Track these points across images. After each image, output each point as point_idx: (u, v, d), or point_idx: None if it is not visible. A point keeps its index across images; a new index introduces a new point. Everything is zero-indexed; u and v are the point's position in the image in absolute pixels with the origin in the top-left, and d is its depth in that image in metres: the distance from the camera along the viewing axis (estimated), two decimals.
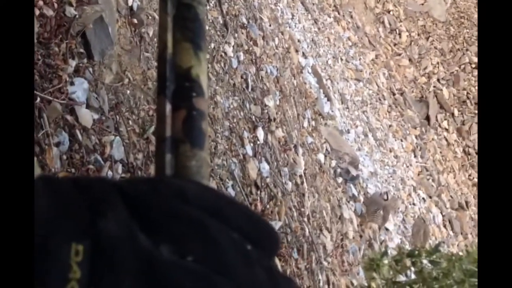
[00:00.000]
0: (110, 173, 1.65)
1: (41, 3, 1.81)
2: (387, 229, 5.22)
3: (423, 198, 6.73)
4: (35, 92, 1.44)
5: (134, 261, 0.31)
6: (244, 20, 4.10)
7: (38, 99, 1.45)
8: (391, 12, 9.77)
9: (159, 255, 0.32)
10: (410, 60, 9.36)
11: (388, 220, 5.12)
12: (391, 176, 6.34)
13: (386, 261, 1.75)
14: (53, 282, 0.30)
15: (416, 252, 1.76)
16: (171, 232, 0.33)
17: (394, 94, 8.27)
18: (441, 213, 6.84)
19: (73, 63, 1.81)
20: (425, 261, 1.76)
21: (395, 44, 9.42)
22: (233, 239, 0.35)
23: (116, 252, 0.31)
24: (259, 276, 0.35)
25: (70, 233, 0.30)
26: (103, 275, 0.30)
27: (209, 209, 0.36)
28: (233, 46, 3.59)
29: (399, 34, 9.59)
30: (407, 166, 7.05)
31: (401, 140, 7.44)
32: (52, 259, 0.30)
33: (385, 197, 4.94)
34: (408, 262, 1.76)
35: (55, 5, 1.88)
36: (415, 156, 7.48)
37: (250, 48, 3.91)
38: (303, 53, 5.76)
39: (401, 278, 1.94)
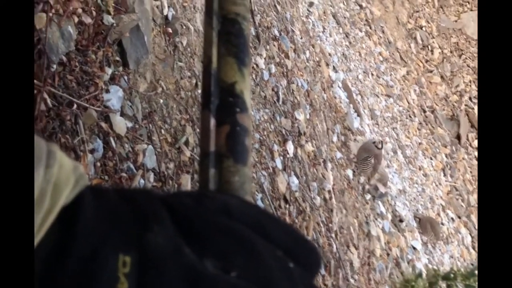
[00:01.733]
0: (142, 181, 1.65)
1: (80, 10, 1.84)
2: (414, 248, 5.13)
3: (452, 218, 6.58)
4: (72, 98, 1.45)
5: (180, 274, 0.31)
6: (276, 32, 4.10)
7: (75, 105, 1.46)
8: (423, 28, 9.67)
9: (204, 269, 0.32)
10: (442, 77, 9.23)
11: (377, 172, 4.73)
12: (419, 195, 6.23)
13: (421, 283, 1.70)
14: None
15: (452, 275, 1.70)
16: (216, 247, 0.33)
17: (424, 112, 8.16)
18: (470, 234, 6.68)
19: (109, 70, 1.83)
20: (460, 286, 1.70)
21: (427, 61, 9.30)
22: (276, 256, 0.35)
23: (163, 265, 0.31)
24: None
25: (117, 245, 0.31)
26: (150, 287, 0.31)
27: (253, 226, 0.36)
28: (264, 58, 3.58)
29: (432, 50, 9.47)
30: (436, 185, 6.92)
31: (431, 159, 7.32)
32: (100, 270, 0.30)
33: (380, 145, 4.53)
34: (443, 285, 1.71)
35: (94, 13, 1.90)
36: (444, 175, 7.34)
37: (282, 61, 3.90)
38: (333, 67, 5.73)
39: None
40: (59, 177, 0.33)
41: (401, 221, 5.19)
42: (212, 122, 0.51)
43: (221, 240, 0.33)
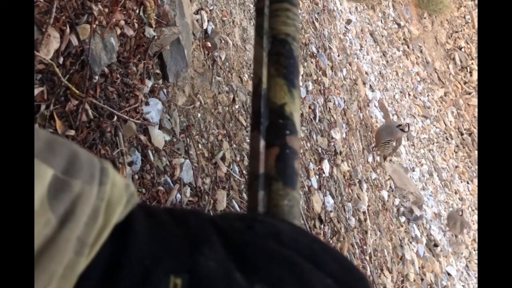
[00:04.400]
0: (178, 196, 1.63)
1: (122, 22, 1.84)
2: (449, 274, 4.99)
3: None
4: (112, 110, 1.44)
5: None
6: (314, 49, 4.08)
7: (115, 117, 1.45)
8: (462, 49, 9.52)
9: None
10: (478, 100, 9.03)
11: (396, 152, 4.70)
12: None
13: None
14: None
15: None
16: (266, 273, 0.33)
17: (462, 134, 7.99)
18: None
19: (149, 83, 1.82)
20: None
21: (465, 82, 9.13)
22: (326, 284, 0.34)
23: None
24: None
25: (169, 267, 0.31)
26: None
27: (304, 252, 0.36)
28: (302, 75, 3.56)
29: (470, 72, 9.30)
30: (473, 210, 6.75)
31: (467, 182, 7.15)
32: None
33: (406, 129, 4.48)
34: None
35: (136, 25, 1.91)
36: None
37: (319, 78, 3.87)
38: (370, 85, 5.67)
39: None
40: (112, 195, 0.33)
41: (436, 245, 5.06)
42: (262, 143, 0.50)
43: (271, 266, 0.33)
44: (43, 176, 0.30)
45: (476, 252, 5.99)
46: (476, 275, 5.56)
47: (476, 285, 5.40)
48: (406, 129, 4.52)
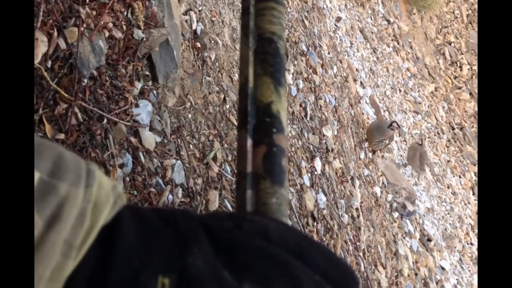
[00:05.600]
0: (170, 197, 1.63)
1: (110, 25, 1.84)
2: (443, 268, 5.01)
3: None
4: (102, 113, 1.44)
5: None
6: (304, 48, 4.08)
7: (105, 120, 1.45)
8: (452, 44, 9.56)
9: None
10: (470, 94, 9.08)
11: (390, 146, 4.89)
12: (448, 213, 6.11)
13: None
14: None
15: None
16: (255, 271, 0.33)
17: (453, 129, 8.03)
18: None
19: (138, 85, 1.82)
20: None
21: (455, 77, 9.17)
22: (315, 281, 0.35)
23: None
24: None
25: (157, 267, 0.31)
26: None
27: (292, 250, 0.36)
28: (292, 74, 3.56)
29: (460, 67, 9.34)
30: (465, 204, 6.79)
31: (460, 177, 7.18)
32: None
33: (396, 129, 4.71)
34: None
35: (124, 27, 1.90)
36: (473, 194, 7.18)
37: (310, 76, 3.87)
38: (361, 82, 5.68)
39: None
40: (98, 197, 0.33)
41: (429, 240, 5.08)
42: (249, 142, 0.51)
43: (260, 265, 0.34)
44: None
45: (469, 245, 6.02)
46: (470, 269, 5.59)
47: (470, 278, 5.44)
48: (396, 129, 4.68)
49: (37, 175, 0.30)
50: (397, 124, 4.62)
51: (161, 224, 0.35)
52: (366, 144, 4.58)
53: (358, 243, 3.23)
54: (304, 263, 0.35)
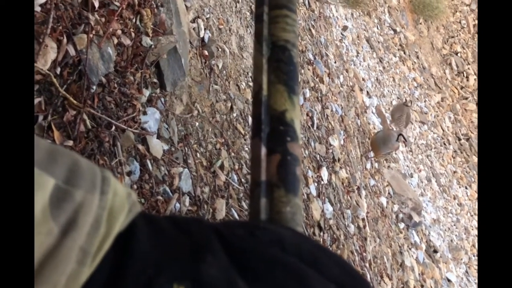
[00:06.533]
0: (177, 205, 1.62)
1: (119, 32, 1.84)
2: (449, 281, 4.97)
3: None
4: (110, 120, 1.44)
5: None
6: (311, 56, 4.08)
7: (113, 127, 1.45)
8: (458, 54, 9.55)
9: None
10: (477, 104, 9.05)
11: (409, 124, 5.35)
12: (454, 225, 6.07)
13: None
14: None
15: None
16: (269, 280, 0.33)
17: (459, 139, 8.00)
18: None
19: (146, 92, 1.82)
20: None
21: (462, 87, 9.15)
22: None
23: None
24: None
25: (172, 274, 0.31)
26: None
27: (306, 259, 0.36)
28: (299, 83, 3.56)
29: (467, 77, 9.32)
30: (471, 215, 6.74)
31: (466, 188, 7.14)
32: None
33: (409, 103, 5.32)
34: None
35: (133, 34, 1.91)
36: None
37: (316, 85, 3.87)
38: (367, 92, 5.68)
39: None
40: (113, 204, 0.33)
41: (435, 251, 5.05)
42: (263, 151, 0.50)
43: (274, 274, 0.33)
44: (45, 185, 0.29)
45: (476, 258, 5.97)
46: (476, 281, 5.54)
47: None
48: (409, 103, 5.27)
49: (52, 182, 0.30)
50: (404, 138, 4.62)
51: (176, 231, 0.35)
52: (372, 154, 4.57)
53: (364, 254, 3.21)
54: (318, 272, 0.35)
